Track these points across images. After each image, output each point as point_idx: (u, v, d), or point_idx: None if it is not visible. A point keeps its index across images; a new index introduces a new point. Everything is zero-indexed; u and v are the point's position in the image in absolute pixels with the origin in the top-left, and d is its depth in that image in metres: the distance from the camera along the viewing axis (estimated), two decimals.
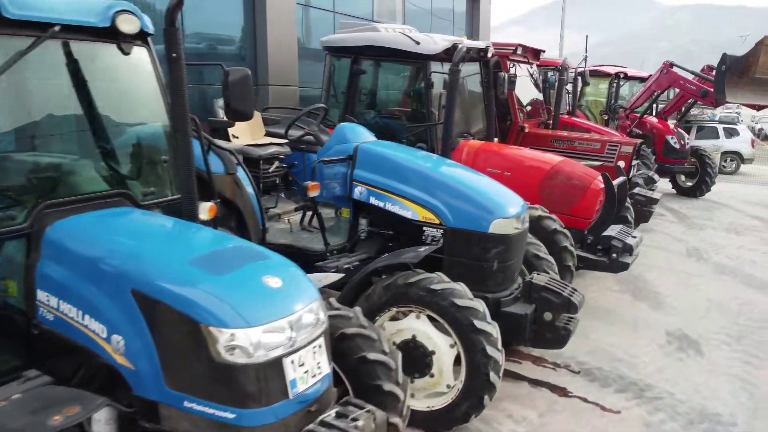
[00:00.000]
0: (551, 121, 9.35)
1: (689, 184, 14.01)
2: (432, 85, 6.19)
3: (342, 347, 3.07)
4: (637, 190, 8.29)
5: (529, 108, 9.58)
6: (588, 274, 6.83)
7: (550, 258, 5.06)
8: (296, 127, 5.08)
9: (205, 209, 3.26)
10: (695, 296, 6.92)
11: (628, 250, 5.89)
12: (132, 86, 3.32)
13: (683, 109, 14.94)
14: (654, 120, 13.94)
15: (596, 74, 15.16)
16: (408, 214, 4.33)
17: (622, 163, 8.11)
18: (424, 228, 4.29)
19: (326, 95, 7.05)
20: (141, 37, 3.16)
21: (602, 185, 6.02)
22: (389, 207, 4.40)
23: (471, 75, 7.21)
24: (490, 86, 7.13)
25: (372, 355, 3.05)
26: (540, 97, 9.75)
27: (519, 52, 8.34)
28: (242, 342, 2.22)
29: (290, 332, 2.34)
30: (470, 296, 3.70)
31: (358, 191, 4.53)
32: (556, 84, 9.25)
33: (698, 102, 13.37)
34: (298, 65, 8.09)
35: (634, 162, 8.52)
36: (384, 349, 3.13)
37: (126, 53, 3.12)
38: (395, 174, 4.42)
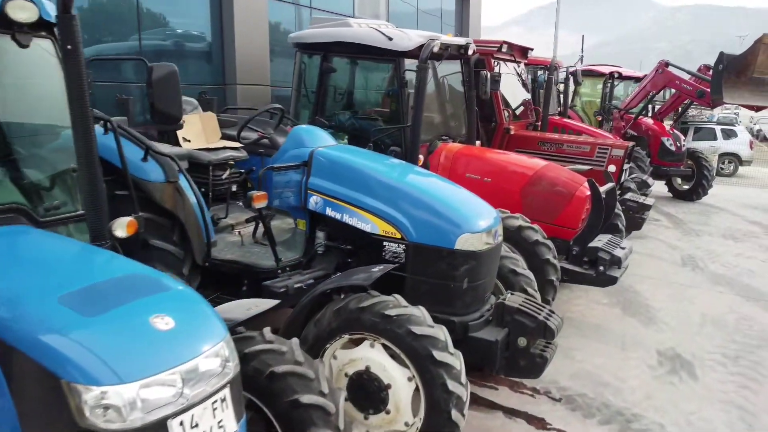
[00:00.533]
0: (539, 123, 8.91)
1: (685, 187, 13.59)
2: (406, 84, 5.75)
3: (272, 388, 2.63)
4: (628, 195, 7.85)
5: (522, 109, 9.15)
6: (575, 285, 6.39)
7: (529, 274, 4.62)
8: (250, 130, 4.63)
9: (123, 225, 2.83)
10: (689, 310, 6.49)
11: (617, 262, 5.46)
12: (33, 83, 2.88)
13: (679, 109, 14.53)
14: (649, 121, 13.52)
15: (590, 74, 14.77)
16: (367, 227, 3.89)
17: (612, 168, 7.68)
18: (384, 243, 3.85)
19: (297, 95, 6.62)
20: (42, 27, 2.72)
21: (588, 192, 5.59)
22: (346, 219, 3.96)
23: (452, 74, 6.80)
24: (471, 86, 6.70)
25: (306, 398, 2.60)
26: (528, 97, 9.31)
27: (504, 49, 7.90)
28: (115, 401, 1.78)
29: (181, 386, 1.90)
30: (429, 323, 3.26)
31: (314, 201, 4.09)
32: (545, 83, 8.81)
33: (695, 103, 12.92)
34: (270, 63, 7.65)
35: (627, 165, 8.09)
36: (322, 390, 2.67)
37: (23, 45, 2.69)
38: (353, 182, 3.98)
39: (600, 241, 5.66)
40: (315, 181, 4.08)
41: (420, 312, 3.29)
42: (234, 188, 4.82)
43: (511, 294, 3.95)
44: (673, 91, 13.24)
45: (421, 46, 5.76)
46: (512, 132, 7.88)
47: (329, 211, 4.02)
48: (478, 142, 7.13)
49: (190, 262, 4.09)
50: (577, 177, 5.91)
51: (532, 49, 8.80)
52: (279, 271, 4.05)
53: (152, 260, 3.95)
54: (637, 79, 14.26)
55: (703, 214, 11.99)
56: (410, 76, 5.69)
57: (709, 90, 11.05)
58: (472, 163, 6.07)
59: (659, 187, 14.02)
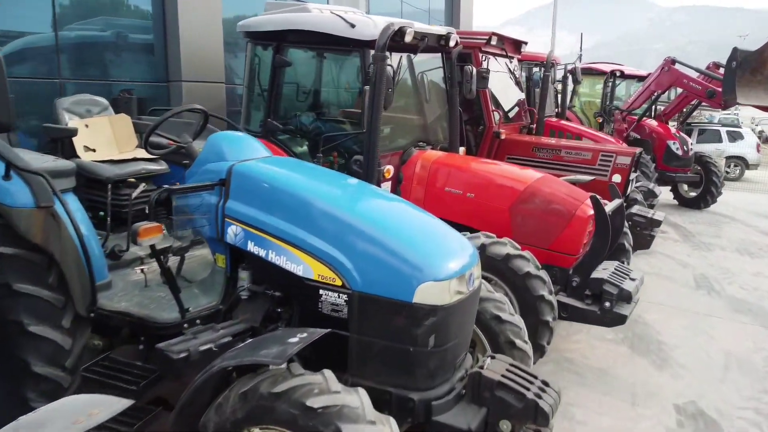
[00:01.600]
0: (535, 126, 7.94)
1: (693, 194, 12.64)
2: (371, 79, 4.77)
3: None
4: (635, 209, 6.88)
5: (516, 110, 8.17)
6: None
7: (517, 321, 3.65)
8: (158, 136, 3.63)
9: None
10: (709, 347, 5.52)
11: (626, 297, 4.48)
12: None
13: (685, 110, 13.59)
14: (653, 123, 12.56)
15: (590, 72, 13.82)
16: (299, 270, 2.90)
17: (618, 177, 6.71)
18: (321, 291, 2.86)
19: (248, 94, 5.65)
20: None
21: (591, 211, 4.61)
22: (272, 257, 2.97)
23: (432, 69, 5.83)
24: (453, 83, 5.74)
25: None
26: (522, 97, 8.32)
27: (494, 42, 6.92)
28: None
29: None
30: (370, 417, 2.28)
31: (232, 232, 3.10)
32: (541, 82, 7.84)
33: (703, 103, 11.96)
34: (225, 57, 6.66)
35: (634, 175, 7.12)
36: None
37: None
38: (281, 208, 2.99)
39: (605, 270, 4.69)
40: (234, 205, 3.09)
41: (358, 400, 2.31)
42: (146, 210, 3.83)
43: (492, 358, 2.96)
44: (679, 91, 12.30)
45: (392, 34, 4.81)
46: (503, 136, 6.90)
47: (251, 246, 3.04)
48: (462, 149, 6.15)
49: (72, 312, 3.12)
50: (577, 192, 4.93)
51: (525, 43, 7.82)
52: (185, 325, 3.07)
53: (18, 311, 2.99)
54: (640, 78, 13.32)
55: (713, 225, 11.03)
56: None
57: (720, 90, 10.08)
58: (453, 174, 5.09)
59: (664, 193, 13.08)
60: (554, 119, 10.06)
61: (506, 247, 4.30)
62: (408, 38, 4.82)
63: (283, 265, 2.94)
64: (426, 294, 2.68)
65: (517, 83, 7.81)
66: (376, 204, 3.20)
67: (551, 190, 4.84)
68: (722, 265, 8.32)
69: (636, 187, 8.79)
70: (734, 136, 18.76)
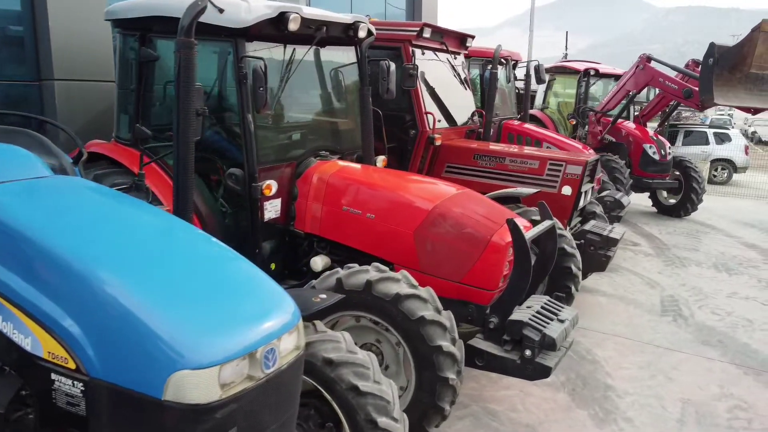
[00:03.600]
0: (482, 129, 7.08)
1: (672, 201, 11.79)
2: (245, 76, 3.92)
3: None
4: (590, 225, 6.02)
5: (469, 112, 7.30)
6: None
7: (385, 391, 2.77)
8: None
9: None
10: (665, 393, 4.66)
11: (549, 345, 3.61)
12: None
13: (666, 111, 12.77)
14: (630, 125, 11.73)
15: (564, 71, 12.99)
16: (26, 343, 2.04)
17: (568, 190, 5.85)
18: (53, 375, 1.99)
19: (119, 94, 4.78)
20: None
21: (509, 238, 3.74)
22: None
23: (345, 66, 4.97)
24: (364, 81, 4.89)
25: None
26: (470, 96, 7.46)
27: (426, 35, 6.04)
28: None
29: None
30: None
31: None
32: (489, 80, 6.99)
33: (682, 104, 11.12)
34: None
35: (588, 185, 6.25)
36: None
37: None
38: (10, 257, 2.12)
39: (529, 308, 3.83)
40: None
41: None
42: None
43: None
44: (659, 90, 11.46)
45: (271, 20, 3.96)
46: (437, 142, 6.03)
47: None
48: (382, 158, 5.30)
49: None
50: (497, 213, 4.07)
51: (472, 37, 6.95)
52: None
53: None
54: (617, 77, 12.46)
55: (692, 235, 10.17)
56: (257, 64, 3.85)
57: (697, 89, 9.23)
58: (352, 190, 4.22)
59: (643, 200, 12.26)
60: (516, 122, 9.23)
61: (398, 284, 3.44)
62: (292, 26, 3.97)
63: (9, 334, 2.08)
64: (181, 387, 1.81)
65: (464, 82, 6.93)
66: (151, 252, 2.29)
67: (463, 211, 3.97)
68: (695, 284, 7.46)
69: (600, 197, 7.96)
70: (722, 138, 17.94)
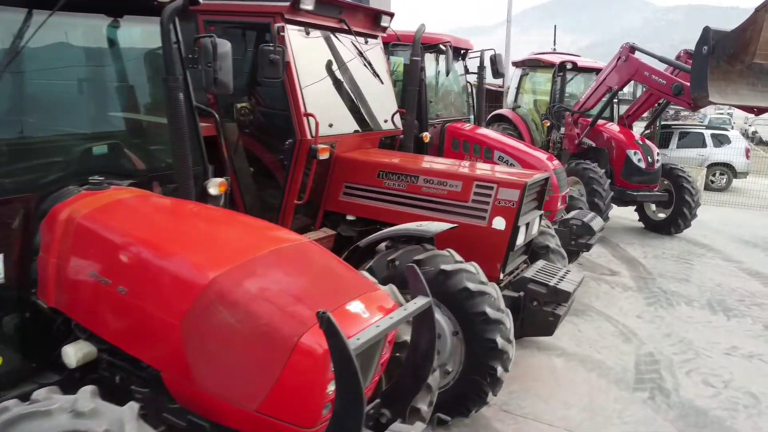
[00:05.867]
0: (403, 135, 5.41)
1: (661, 215, 10.12)
2: None
3: None
4: (534, 270, 4.34)
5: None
6: None
7: None
8: None
9: None
10: None
11: None
12: None
13: (654, 110, 11.12)
14: (614, 128, 10.07)
15: (536, 64, 11.34)
16: None
17: (500, 222, 4.17)
18: None
19: None
20: None
21: (325, 346, 2.07)
22: None
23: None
24: (171, 67, 3.24)
25: None
26: (390, 93, 5.77)
27: (308, 7, 4.32)
28: None
29: None
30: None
31: None
32: (409, 72, 5.32)
33: (672, 102, 9.45)
34: None
35: (534, 214, 4.58)
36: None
37: None
38: None
39: None
40: None
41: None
42: None
43: None
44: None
45: None
46: (322, 155, 4.34)
47: None
48: (218, 181, 3.64)
49: None
50: (324, 293, 2.40)
51: (390, 15, 5.26)
52: None
53: None
54: (600, 72, 10.80)
55: (683, 260, 8.51)
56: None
57: (688, 84, 7.57)
58: (103, 245, 2.56)
59: (628, 213, 10.61)
60: (468, 125, 7.57)
61: None
62: None
63: None
64: None
65: (378, 74, 5.25)
66: None
67: (262, 287, 2.30)
68: (684, 334, 5.80)
69: (565, 220, 6.30)
70: (720, 140, 16.25)
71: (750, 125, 32.87)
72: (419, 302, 2.43)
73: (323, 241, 4.70)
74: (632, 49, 8.99)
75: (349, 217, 4.79)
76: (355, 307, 2.30)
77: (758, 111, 8.14)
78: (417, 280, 2.49)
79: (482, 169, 4.70)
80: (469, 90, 8.10)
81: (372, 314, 2.32)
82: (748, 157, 16.25)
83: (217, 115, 4.37)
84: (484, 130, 7.39)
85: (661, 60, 9.01)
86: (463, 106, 7.90)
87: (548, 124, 10.43)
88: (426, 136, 6.47)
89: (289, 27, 4.35)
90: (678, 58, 9.40)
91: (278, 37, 4.19)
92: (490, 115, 12.05)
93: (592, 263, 8.06)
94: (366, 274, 3.19)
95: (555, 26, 24.46)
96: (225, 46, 3.37)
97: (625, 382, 4.78)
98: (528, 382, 4.60)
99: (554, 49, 25.79)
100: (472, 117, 8.13)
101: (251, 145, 4.87)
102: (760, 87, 7.16)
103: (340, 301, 2.31)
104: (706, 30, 7.00)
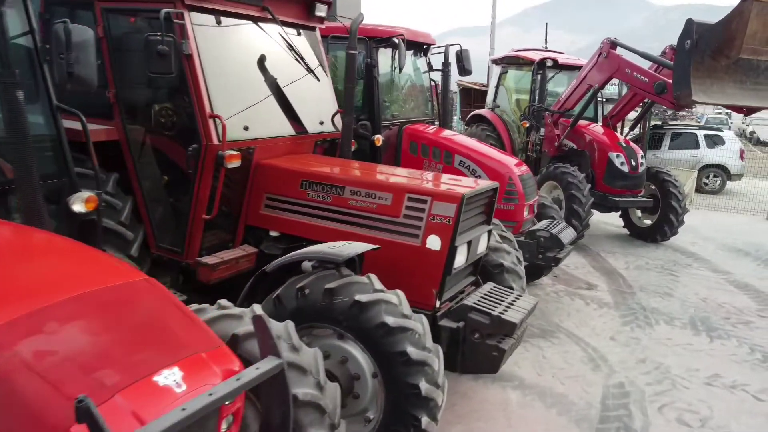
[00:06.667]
0: (340, 140, 4.81)
1: (647, 222, 9.53)
2: None
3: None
4: (477, 297, 3.74)
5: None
6: None
7: None
8: None
9: None
10: None
11: None
12: None
13: (639, 111, 10.55)
14: (597, 129, 9.49)
15: (515, 62, 10.74)
16: None
17: (435, 242, 3.57)
18: None
19: None
20: None
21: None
22: None
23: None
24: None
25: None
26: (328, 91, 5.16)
27: None
28: None
29: None
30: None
31: None
32: (347, 67, 4.72)
33: (656, 102, 8.85)
34: None
35: (479, 231, 3.98)
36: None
37: None
38: None
39: None
40: None
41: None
42: None
43: None
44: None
45: None
46: (230, 163, 3.75)
47: None
48: (84, 196, 3.05)
49: None
50: (122, 360, 1.80)
51: (327, 4, 4.67)
52: None
53: None
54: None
55: (667, 271, 7.92)
56: None
57: (671, 81, 6.98)
58: None
59: (612, 218, 10.02)
60: (432, 128, 6.98)
61: None
62: None
63: None
64: None
65: (311, 69, 4.65)
66: None
67: (38, 350, 1.69)
68: (661, 360, 5.21)
69: (532, 232, 5.72)
70: (714, 141, 15.64)
71: (748, 125, 32.19)
72: (264, 366, 1.83)
73: (242, 260, 4.11)
74: (613, 44, 8.41)
75: (273, 233, 4.20)
76: (168, 377, 1.71)
77: (748, 111, 7.56)
78: (266, 335, 1.89)
79: (418, 179, 4.09)
80: (437, 89, 7.51)
81: (190, 387, 1.72)
82: (742, 158, 15.64)
83: (119, 118, 3.82)
84: (448, 133, 6.79)
85: (644, 56, 8.44)
86: (426, 106, 7.30)
87: (527, 125, 9.83)
88: (378, 139, 5.89)
89: (194, 14, 3.76)
90: (663, 54, 8.79)
91: (175, 26, 3.59)
92: (469, 116, 11.46)
93: (568, 275, 7.47)
94: (256, 308, 2.62)
95: (546, 24, 23.88)
96: (84, 33, 2.80)
97: (588, 420, 4.19)
98: (472, 423, 4.00)
99: (546, 47, 25.02)
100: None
101: (162, 151, 4.27)
102: (749, 85, 6.57)
103: (149, 369, 1.71)
104: (689, 22, 6.43)
